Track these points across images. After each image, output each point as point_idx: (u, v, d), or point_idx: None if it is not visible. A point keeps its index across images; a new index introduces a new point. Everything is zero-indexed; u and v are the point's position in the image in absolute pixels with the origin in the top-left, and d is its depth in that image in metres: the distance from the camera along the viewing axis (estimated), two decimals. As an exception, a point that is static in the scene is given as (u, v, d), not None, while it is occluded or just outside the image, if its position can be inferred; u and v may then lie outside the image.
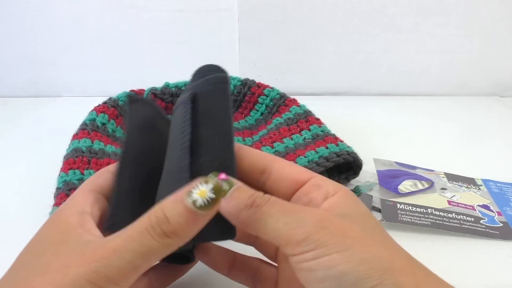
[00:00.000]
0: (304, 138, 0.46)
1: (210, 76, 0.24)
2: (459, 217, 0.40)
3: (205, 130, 0.22)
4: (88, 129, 0.45)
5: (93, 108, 0.48)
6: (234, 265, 0.27)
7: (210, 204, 0.20)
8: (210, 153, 0.22)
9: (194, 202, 0.19)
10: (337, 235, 0.19)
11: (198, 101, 0.23)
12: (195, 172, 0.21)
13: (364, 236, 0.20)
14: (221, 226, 0.21)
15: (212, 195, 0.20)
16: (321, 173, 0.44)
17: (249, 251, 0.28)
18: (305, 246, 0.19)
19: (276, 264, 0.27)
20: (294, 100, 0.53)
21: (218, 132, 0.22)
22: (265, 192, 0.21)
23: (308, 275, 0.19)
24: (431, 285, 0.19)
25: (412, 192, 0.44)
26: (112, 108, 0.48)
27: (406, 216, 0.39)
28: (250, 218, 0.20)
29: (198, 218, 0.20)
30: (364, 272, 0.18)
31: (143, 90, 0.52)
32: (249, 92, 0.54)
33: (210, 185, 0.20)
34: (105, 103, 0.49)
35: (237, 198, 0.20)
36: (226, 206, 0.20)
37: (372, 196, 0.42)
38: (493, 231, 0.38)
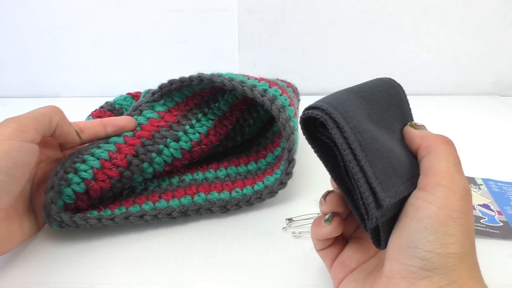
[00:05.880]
0: None
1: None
2: (459, 217, 0.40)
3: None
4: None
5: (89, 113, 0.47)
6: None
7: None
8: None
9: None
10: None
11: None
12: None
13: None
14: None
15: None
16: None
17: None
18: None
19: None
20: (294, 99, 0.52)
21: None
22: None
23: None
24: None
25: (412, 191, 0.43)
26: (109, 112, 0.47)
27: (406, 216, 0.39)
28: None
29: None
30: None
31: (139, 92, 0.51)
32: (249, 92, 0.54)
33: None
34: (101, 107, 0.48)
35: None
36: None
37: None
38: (493, 231, 0.38)
